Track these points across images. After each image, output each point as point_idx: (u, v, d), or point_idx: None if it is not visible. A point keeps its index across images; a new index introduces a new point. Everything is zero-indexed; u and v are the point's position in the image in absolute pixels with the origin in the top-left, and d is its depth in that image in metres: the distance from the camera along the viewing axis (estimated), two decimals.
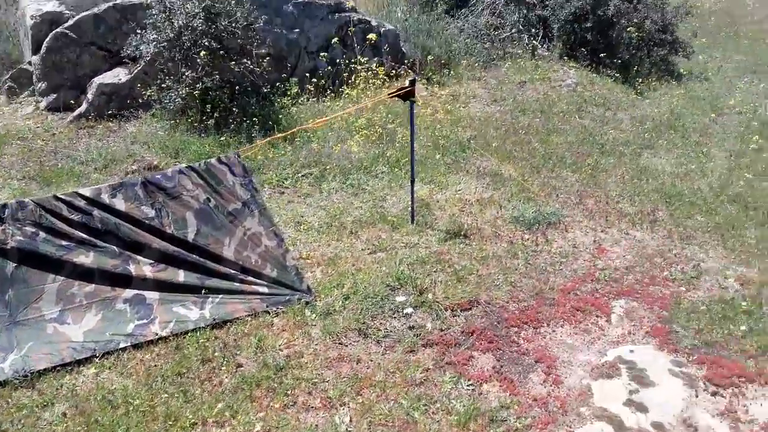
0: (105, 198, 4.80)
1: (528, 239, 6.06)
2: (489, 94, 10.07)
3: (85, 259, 4.67)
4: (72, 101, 8.36)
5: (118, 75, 8.30)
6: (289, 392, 4.10)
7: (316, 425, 3.89)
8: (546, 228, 6.24)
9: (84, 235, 4.70)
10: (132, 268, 4.76)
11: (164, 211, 4.92)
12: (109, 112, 8.17)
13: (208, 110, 7.66)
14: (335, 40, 9.16)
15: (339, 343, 4.58)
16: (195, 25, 7.29)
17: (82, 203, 4.73)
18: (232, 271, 4.95)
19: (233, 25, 7.47)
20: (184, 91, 7.51)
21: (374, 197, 6.71)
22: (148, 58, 7.95)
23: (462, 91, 10.03)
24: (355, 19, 9.56)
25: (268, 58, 8.45)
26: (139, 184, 4.91)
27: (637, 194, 6.94)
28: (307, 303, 4.92)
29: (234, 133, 7.58)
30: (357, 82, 8.76)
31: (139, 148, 7.54)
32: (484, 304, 5.06)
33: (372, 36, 9.10)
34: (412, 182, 6.11)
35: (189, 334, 4.60)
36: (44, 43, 8.27)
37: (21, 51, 9.37)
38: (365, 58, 8.97)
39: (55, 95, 8.47)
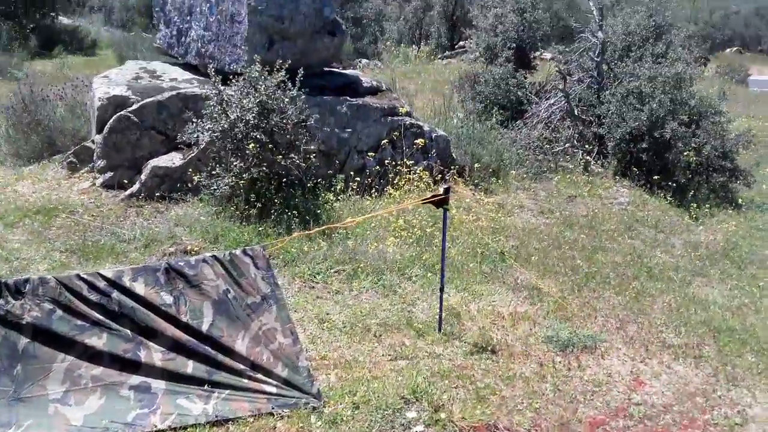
0: (126, 281, 4.80)
1: (560, 362, 5.73)
2: (536, 206, 9.95)
3: (98, 341, 4.62)
4: (126, 180, 8.65)
5: (173, 159, 8.59)
6: None
7: None
8: (581, 352, 5.90)
9: (100, 317, 4.68)
10: (142, 354, 4.68)
11: (182, 299, 4.88)
12: (159, 193, 8.39)
13: (253, 200, 7.77)
14: (385, 141, 9.30)
15: None
16: (248, 118, 7.51)
17: (102, 284, 4.73)
18: (242, 367, 4.80)
19: (284, 121, 7.67)
20: (231, 180, 7.66)
21: (404, 301, 6.55)
22: (202, 146, 8.20)
23: (509, 200, 9.96)
24: (407, 123, 9.72)
25: (317, 153, 8.63)
26: (162, 269, 4.91)
27: (683, 325, 6.54)
28: (314, 408, 4.70)
29: (274, 224, 7.63)
30: (401, 183, 8.79)
31: (181, 231, 7.65)
32: (503, 430, 4.72)
33: (420, 141, 9.21)
34: (441, 290, 5.94)
35: (188, 430, 4.42)
36: (108, 123, 8.69)
37: (89, 130, 9.86)
38: (411, 162, 9.02)
39: (111, 173, 8.79)
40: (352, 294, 6.62)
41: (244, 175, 7.66)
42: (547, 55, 15.95)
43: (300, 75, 7.82)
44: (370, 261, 7.17)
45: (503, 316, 6.43)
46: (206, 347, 4.80)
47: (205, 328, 4.85)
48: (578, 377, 5.53)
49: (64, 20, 24.87)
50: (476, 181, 10.20)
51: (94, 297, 4.71)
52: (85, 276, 4.75)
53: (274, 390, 4.76)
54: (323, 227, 7.06)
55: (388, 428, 4.59)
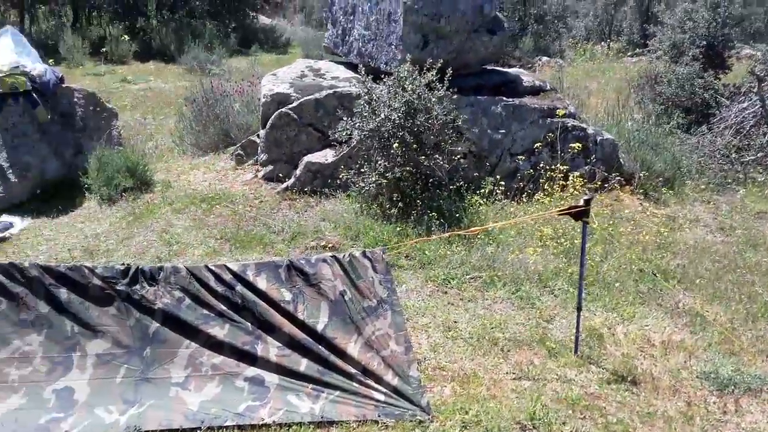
0: (249, 275, 4.92)
1: (714, 403, 4.99)
2: (715, 221, 8.86)
3: (220, 331, 4.79)
4: (284, 174, 9.00)
5: (326, 155, 8.79)
6: None
7: None
8: (742, 394, 5.10)
9: (224, 308, 4.84)
10: (259, 348, 4.77)
11: (300, 297, 4.91)
12: (312, 188, 8.63)
13: (396, 199, 7.71)
14: (540, 144, 8.78)
15: None
16: (394, 118, 7.45)
17: (228, 277, 4.90)
18: (354, 371, 4.73)
19: (430, 121, 7.51)
20: (376, 178, 7.66)
21: (541, 316, 6.11)
22: (353, 144, 8.30)
23: (682, 213, 8.98)
24: (568, 125, 9.12)
25: (467, 155, 8.39)
26: (283, 266, 4.98)
27: None
28: (420, 422, 4.50)
29: (415, 224, 7.51)
30: (555, 189, 8.24)
31: (326, 226, 7.79)
32: None
33: (577, 144, 8.56)
34: (579, 309, 5.43)
35: (292, 427, 4.42)
36: (270, 119, 9.10)
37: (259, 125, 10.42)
38: (568, 167, 8.42)
39: (272, 167, 9.20)
40: (485, 303, 6.30)
41: (388, 174, 7.62)
42: (747, 52, 14.21)
43: (449, 75, 7.60)
44: (510, 270, 6.79)
45: (654, 343, 5.76)
46: (320, 347, 4.79)
47: (320, 327, 4.84)
48: (734, 423, 4.77)
49: (263, 19, 26.77)
50: (645, 190, 9.31)
51: (220, 289, 4.89)
52: (213, 268, 4.94)
53: (382, 398, 4.63)
54: (463, 231, 6.77)
55: None
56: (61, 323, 4.70)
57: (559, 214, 5.39)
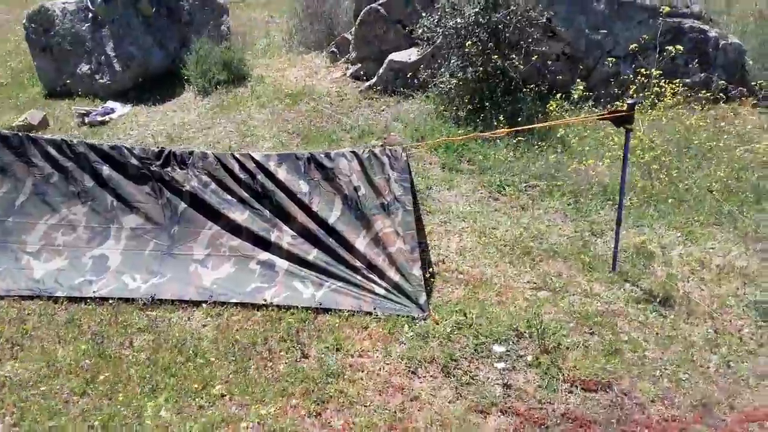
0: (271, 165, 5.02)
1: (751, 335, 4.47)
2: None
3: (240, 216, 4.98)
4: (369, 73, 8.91)
5: (410, 54, 8.54)
6: (320, 402, 3.80)
7: None
8: None
9: (245, 195, 5.02)
10: (274, 235, 4.92)
11: (317, 190, 4.95)
12: (393, 87, 8.49)
13: (467, 101, 7.40)
14: (645, 47, 7.84)
15: (411, 372, 4.05)
16: (469, 13, 7.03)
17: (251, 165, 5.03)
18: (359, 264, 4.76)
19: (509, 17, 6.98)
20: (448, 78, 7.37)
21: (592, 229, 5.71)
22: (435, 43, 7.99)
23: None
24: (685, 26, 8.10)
25: (560, 56, 7.78)
26: (304, 159, 5.01)
27: None
28: (413, 318, 4.47)
29: (483, 128, 7.18)
30: (663, 97, 7.38)
31: (396, 126, 7.69)
32: (617, 393, 3.92)
33: (677, 48, 7.57)
34: (618, 223, 5.00)
35: (290, 311, 4.59)
36: (360, 16, 8.95)
37: None
38: (659, 74, 7.51)
39: (360, 65, 9.14)
40: (535, 213, 5.99)
41: (459, 75, 7.29)
42: None
43: None
44: (573, 180, 6.35)
45: (710, 267, 5.20)
46: (330, 239, 4.85)
47: (331, 220, 4.88)
48: (766, 357, 4.26)
49: None
50: None
51: (243, 176, 5.05)
52: (238, 156, 5.09)
53: (382, 292, 4.64)
54: (488, 134, 6.39)
55: (468, 356, 4.16)
56: (102, 197, 5.13)
57: (600, 119, 4.89)
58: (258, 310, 4.63)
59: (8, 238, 5.03)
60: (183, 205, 5.05)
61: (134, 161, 5.12)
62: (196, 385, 3.88)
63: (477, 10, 7.03)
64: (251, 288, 4.76)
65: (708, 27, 8.32)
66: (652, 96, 7.29)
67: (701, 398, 3.88)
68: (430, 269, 5.03)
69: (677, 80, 7.43)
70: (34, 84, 9.73)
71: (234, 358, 4.14)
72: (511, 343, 4.28)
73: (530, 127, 6.51)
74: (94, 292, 4.78)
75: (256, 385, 3.92)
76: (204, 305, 4.68)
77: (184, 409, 3.74)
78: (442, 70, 7.69)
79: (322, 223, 4.88)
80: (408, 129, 7.51)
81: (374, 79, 8.71)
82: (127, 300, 4.72)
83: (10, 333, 4.40)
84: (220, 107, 8.53)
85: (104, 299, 4.73)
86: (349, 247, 4.80)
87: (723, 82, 8.05)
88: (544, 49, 7.48)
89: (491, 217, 5.91)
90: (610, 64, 7.95)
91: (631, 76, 7.84)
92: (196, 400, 3.80)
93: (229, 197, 5.02)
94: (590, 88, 7.76)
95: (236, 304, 4.68)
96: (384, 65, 8.60)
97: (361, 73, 9.07)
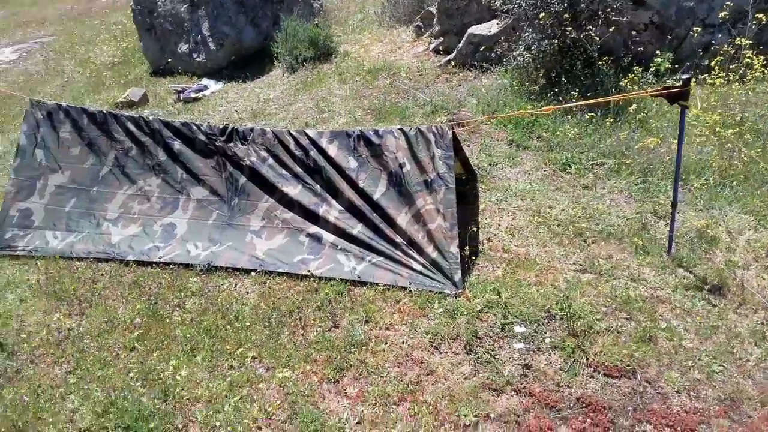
0: (323, 142, 5.21)
1: None
2: None
3: (293, 190, 5.24)
4: (452, 47, 8.87)
5: (491, 27, 8.42)
6: (339, 370, 4.00)
7: (329, 412, 3.75)
8: None
9: (299, 170, 5.26)
10: (322, 209, 5.14)
11: (365, 166, 5.09)
12: (472, 61, 8.43)
13: (542, 75, 7.23)
14: (754, 14, 7.25)
15: (434, 347, 4.15)
16: None
17: (305, 141, 5.25)
18: (400, 240, 4.88)
19: None
20: (520, 51, 7.24)
21: (655, 211, 5.48)
22: (515, 15, 7.83)
23: None
24: None
25: (648, 26, 7.39)
26: (354, 135, 5.16)
27: None
28: (447, 295, 4.55)
29: (557, 103, 7.00)
30: (755, 69, 6.83)
31: (470, 101, 7.65)
32: (641, 381, 3.83)
33: (758, 16, 6.93)
34: (674, 206, 4.78)
35: (331, 282, 4.81)
36: None
37: None
38: (749, 44, 6.94)
39: (442, 39, 9.13)
40: (598, 192, 5.82)
41: (533, 48, 7.12)
42: None
43: None
44: (644, 159, 6.08)
45: None
46: (374, 214, 5.00)
47: (376, 196, 5.02)
48: None
49: None
50: None
51: (297, 152, 5.29)
52: (294, 132, 5.33)
53: (419, 267, 4.75)
54: (535, 110, 6.18)
55: (494, 335, 4.19)
56: (174, 170, 5.56)
57: (653, 95, 4.66)
58: (301, 281, 4.88)
59: (92, 205, 5.59)
60: (243, 179, 5.37)
61: (202, 137, 5.49)
62: (229, 347, 4.20)
63: None
64: (298, 259, 5.02)
65: None
66: (742, 68, 6.81)
67: (732, 392, 3.70)
68: (475, 247, 5.06)
69: None
70: (142, 63, 10.51)
71: (269, 324, 4.42)
72: (540, 324, 4.26)
73: (588, 102, 6.26)
74: (159, 257, 5.23)
75: (284, 350, 4.18)
76: (253, 273, 4.99)
77: (216, 368, 4.07)
78: (519, 43, 7.53)
79: (367, 198, 5.03)
80: (480, 104, 7.45)
81: (454, 53, 8.67)
82: (187, 266, 5.13)
83: (83, 291, 4.94)
84: (304, 84, 8.84)
85: (167, 264, 5.17)
86: (392, 223, 4.93)
87: None
88: (625, 19, 7.12)
89: (550, 195, 5.81)
90: (703, 34, 7.45)
91: (726, 46, 7.32)
92: (229, 360, 4.13)
93: (284, 172, 5.28)
94: (681, 60, 7.33)
95: (283, 273, 4.96)
96: (464, 39, 8.54)
97: (444, 47, 9.05)
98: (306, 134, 5.29)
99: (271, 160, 5.33)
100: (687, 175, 5.87)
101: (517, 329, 4.16)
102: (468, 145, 6.75)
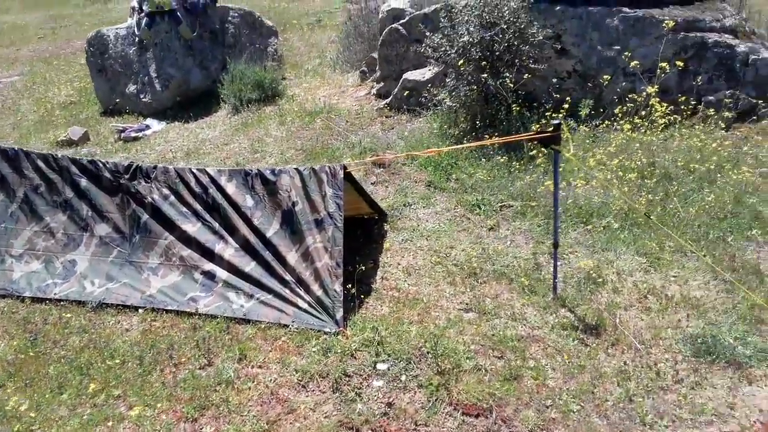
0: (222, 180, 5.32)
1: (668, 369, 4.21)
2: None
3: (192, 227, 5.32)
4: (387, 91, 9.10)
5: (424, 73, 8.66)
6: (200, 409, 4.02)
7: None
8: (722, 366, 4.22)
9: (198, 207, 5.35)
10: (218, 247, 5.21)
11: (260, 204, 5.19)
12: (407, 106, 8.63)
13: (461, 119, 7.43)
14: (667, 64, 7.46)
15: (302, 385, 4.19)
16: (461, 32, 7.08)
17: (205, 179, 5.36)
18: (289, 278, 4.95)
19: (501, 36, 6.95)
20: (443, 97, 7.45)
21: (551, 252, 5.57)
22: (443, 62, 8.06)
23: None
24: (709, 41, 7.69)
25: (571, 74, 7.63)
26: (252, 174, 5.27)
27: None
28: (325, 333, 4.61)
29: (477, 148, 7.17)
30: (647, 115, 7.04)
31: (399, 143, 7.82)
32: (496, 419, 3.86)
33: (677, 63, 7.19)
34: (555, 246, 4.89)
35: (216, 320, 4.86)
36: (382, 35, 9.17)
37: None
38: (656, 92, 7.18)
39: (382, 83, 9.36)
40: (501, 233, 5.94)
41: (453, 93, 7.33)
42: None
43: None
44: (550, 201, 6.21)
45: (661, 296, 4.96)
46: (267, 252, 5.08)
47: (269, 234, 5.11)
48: (679, 396, 4.01)
49: None
50: None
51: (198, 189, 5.39)
52: (195, 170, 5.44)
53: (305, 306, 4.81)
54: (412, 153, 6.34)
55: (363, 373, 4.23)
56: (79, 206, 5.64)
57: (528, 140, 4.81)
58: (188, 318, 4.93)
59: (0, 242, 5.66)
60: (145, 216, 5.45)
61: (107, 174, 5.60)
62: (95, 385, 4.21)
63: (470, 28, 7.04)
64: (189, 297, 5.08)
65: (737, 42, 7.84)
66: (650, 115, 7.03)
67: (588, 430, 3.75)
68: (369, 285, 5.14)
69: (697, 98, 7.11)
70: (95, 103, 10.71)
71: (142, 362, 4.45)
72: (411, 362, 4.30)
73: (475, 144, 6.44)
74: (55, 293, 5.28)
75: (151, 388, 4.20)
76: (140, 311, 5.04)
77: (78, 406, 4.09)
78: (445, 89, 7.74)
79: (261, 236, 5.11)
80: (407, 146, 7.61)
81: (390, 98, 8.89)
82: (80, 302, 5.18)
83: None
84: (244, 124, 9.02)
85: (60, 301, 5.22)
86: (283, 261, 5.00)
87: (752, 100, 7.57)
88: (542, 66, 7.35)
89: (455, 236, 5.91)
90: (623, 82, 7.70)
91: (645, 94, 7.55)
92: (93, 399, 4.14)
93: (184, 209, 5.37)
94: (603, 106, 7.54)
95: (171, 311, 5.01)
96: (399, 84, 8.76)
97: (383, 92, 9.27)
98: (206, 172, 5.40)
99: (172, 198, 5.42)
100: (589, 217, 6.00)
101: (380, 367, 4.21)
102: (386, 186, 6.88)
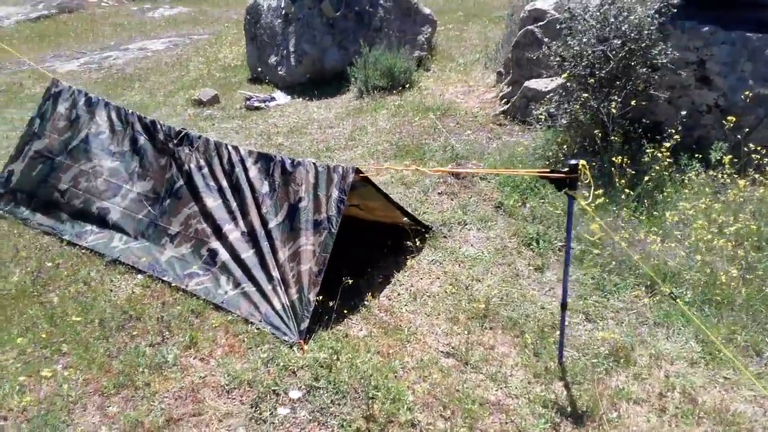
0: (249, 162, 5.20)
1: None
2: None
3: (212, 202, 5.28)
4: (514, 96, 8.41)
5: (548, 83, 7.85)
6: (119, 387, 3.96)
7: (74, 425, 3.72)
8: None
9: (224, 184, 5.29)
10: (228, 227, 5.11)
11: (273, 193, 5.00)
12: (523, 116, 7.92)
13: (569, 141, 6.61)
14: None
15: (226, 390, 3.95)
16: (572, 44, 6.26)
17: (236, 158, 5.28)
18: (275, 274, 4.71)
19: (615, 54, 6.00)
20: (557, 113, 6.69)
21: (588, 311, 4.76)
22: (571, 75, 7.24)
23: None
24: None
25: (712, 107, 6.48)
26: (276, 160, 5.08)
27: None
28: (282, 341, 4.32)
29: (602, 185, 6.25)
30: None
31: (493, 155, 7.17)
32: None
33: None
34: (563, 307, 4.11)
35: (198, 300, 4.79)
36: (516, 37, 8.48)
37: None
38: None
39: (510, 88, 8.66)
40: (545, 278, 5.17)
41: (561, 110, 6.53)
42: None
43: None
44: (617, 253, 5.31)
45: (690, 399, 3.98)
46: (265, 243, 4.89)
47: (272, 225, 4.91)
48: None
49: None
50: None
51: (227, 167, 5.34)
52: (230, 147, 5.39)
53: (279, 307, 4.56)
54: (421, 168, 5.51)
55: (282, 390, 3.89)
56: (130, 160, 5.87)
57: (541, 177, 4.02)
58: (177, 292, 4.91)
59: (51, 173, 6.08)
60: (180, 182, 5.51)
61: (161, 136, 5.75)
62: (45, 336, 4.34)
63: (584, 39, 6.19)
64: (187, 272, 5.05)
65: None
66: None
67: None
68: (361, 301, 4.76)
69: None
70: (248, 69, 11.24)
71: (105, 326, 4.50)
72: (344, 397, 3.88)
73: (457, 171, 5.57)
74: (87, 242, 5.57)
75: (95, 353, 4.23)
76: (143, 276, 5.12)
77: (26, 353, 4.24)
78: (563, 105, 6.93)
79: (264, 225, 4.93)
80: (489, 162, 6.92)
81: (508, 105, 8.20)
82: (102, 254, 5.41)
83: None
84: (358, 110, 8.88)
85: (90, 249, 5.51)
86: (275, 255, 4.78)
87: None
88: (663, 95, 6.26)
89: (491, 269, 5.27)
90: None
91: None
92: (42, 350, 4.26)
93: (212, 183, 5.34)
94: (742, 154, 6.27)
95: (168, 282, 5.03)
96: (519, 92, 8.04)
97: (509, 97, 8.57)
98: (238, 151, 5.31)
99: (205, 170, 5.42)
100: (659, 282, 5.00)
101: (293, 394, 3.84)
102: (451, 199, 6.34)
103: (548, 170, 3.88)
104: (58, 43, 15.66)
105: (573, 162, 3.68)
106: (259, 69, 10.46)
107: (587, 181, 3.73)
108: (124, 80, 11.49)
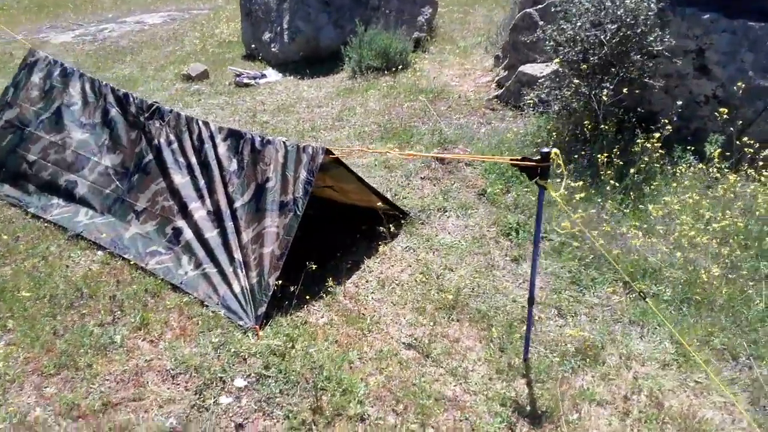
0: (218, 138, 5.01)
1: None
2: None
3: (180, 179, 5.10)
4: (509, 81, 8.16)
5: (543, 69, 7.59)
6: (60, 367, 3.82)
7: (9, 404, 3.59)
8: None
9: (193, 161, 5.10)
10: (194, 205, 4.93)
11: (240, 172, 4.82)
12: (516, 102, 7.68)
13: (562, 128, 6.38)
14: None
15: (171, 375, 3.79)
16: (565, 27, 6.00)
17: (206, 134, 5.09)
18: (237, 257, 4.54)
19: (608, 39, 5.74)
20: (550, 99, 6.46)
21: (561, 307, 4.57)
22: (563, 59, 6.98)
23: None
24: None
25: (710, 99, 6.22)
26: (245, 138, 4.90)
27: None
28: (238, 326, 4.15)
29: (590, 174, 6.04)
30: None
31: (482, 140, 6.95)
32: None
33: None
34: (530, 302, 3.92)
35: (156, 279, 4.63)
36: (514, 20, 8.22)
37: None
38: None
39: (506, 72, 8.41)
40: (521, 270, 4.96)
41: (553, 96, 6.30)
42: None
43: None
44: (596, 246, 5.09)
45: (656, 403, 3.79)
46: (230, 223, 4.71)
47: (237, 204, 4.73)
48: None
49: None
50: None
51: (197, 143, 5.16)
52: (200, 122, 5.19)
53: (238, 290, 4.39)
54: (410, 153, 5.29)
55: (229, 378, 3.73)
56: (101, 133, 5.68)
57: (512, 164, 3.80)
58: (137, 271, 4.75)
59: (21, 144, 5.91)
60: (149, 157, 5.33)
61: (133, 109, 5.56)
62: None
63: (578, 23, 5.93)
64: (150, 250, 4.89)
65: None
66: None
67: None
68: (326, 288, 4.59)
69: None
70: (242, 45, 11.01)
71: (55, 303, 4.35)
72: (293, 387, 3.71)
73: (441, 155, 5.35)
74: (51, 215, 5.41)
75: (40, 331, 4.08)
76: (104, 252, 4.96)
77: None
78: (554, 91, 6.69)
79: (230, 204, 4.75)
80: (478, 147, 6.71)
81: (501, 90, 7.95)
82: (65, 228, 5.25)
83: None
84: (349, 91, 8.65)
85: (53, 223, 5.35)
86: (238, 236, 4.60)
87: None
88: (657, 84, 6.00)
89: (466, 258, 5.07)
90: None
91: None
92: None
93: (181, 159, 5.15)
94: (738, 147, 6.01)
95: (128, 259, 4.87)
96: (513, 77, 7.79)
97: (503, 81, 8.32)
98: (209, 126, 5.12)
99: (175, 145, 5.23)
100: (639, 278, 4.80)
101: (238, 382, 3.67)
102: (434, 185, 6.13)
103: (519, 158, 3.66)
104: (57, 14, 15.48)
105: (545, 150, 3.47)
106: (253, 46, 10.23)
107: (560, 171, 3.51)
108: (116, 53, 11.29)
